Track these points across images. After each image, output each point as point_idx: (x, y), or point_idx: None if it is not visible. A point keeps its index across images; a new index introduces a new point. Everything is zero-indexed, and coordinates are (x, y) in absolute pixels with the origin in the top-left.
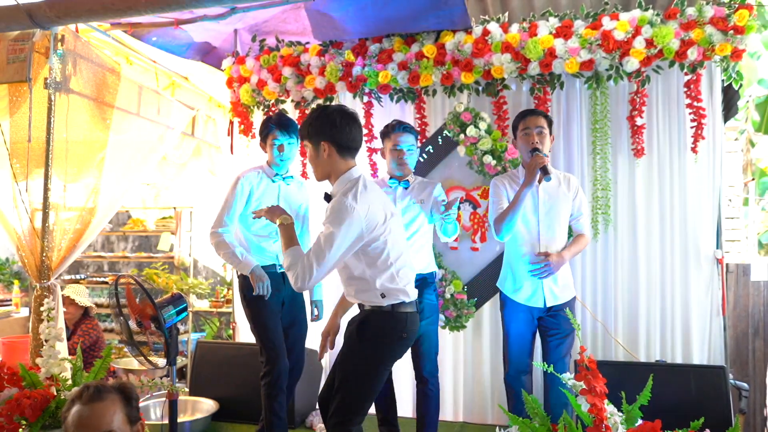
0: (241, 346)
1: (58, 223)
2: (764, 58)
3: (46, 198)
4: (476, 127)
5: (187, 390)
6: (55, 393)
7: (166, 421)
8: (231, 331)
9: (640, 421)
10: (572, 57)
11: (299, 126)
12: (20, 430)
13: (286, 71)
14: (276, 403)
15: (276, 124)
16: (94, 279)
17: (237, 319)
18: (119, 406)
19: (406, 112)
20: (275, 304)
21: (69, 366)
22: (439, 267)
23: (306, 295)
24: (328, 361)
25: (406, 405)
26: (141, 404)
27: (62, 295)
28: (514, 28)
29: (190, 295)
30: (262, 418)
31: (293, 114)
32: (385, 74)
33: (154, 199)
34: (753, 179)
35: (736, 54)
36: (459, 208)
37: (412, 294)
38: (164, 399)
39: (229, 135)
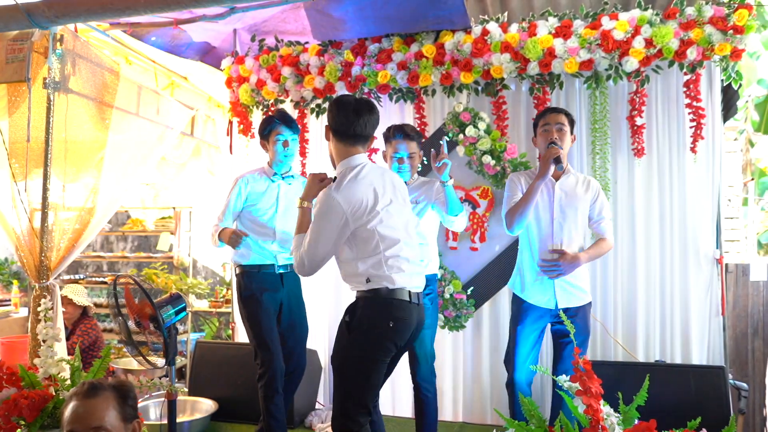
0: (240, 346)
1: (57, 223)
2: (764, 58)
3: (45, 198)
4: (475, 127)
5: (186, 390)
6: (54, 393)
7: (165, 421)
8: (230, 332)
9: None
10: (571, 57)
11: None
12: (18, 430)
13: (286, 71)
14: (273, 405)
15: (280, 120)
16: (94, 279)
17: (236, 319)
18: (113, 404)
19: (406, 112)
20: (272, 305)
21: (67, 366)
22: (439, 267)
23: (306, 295)
24: (327, 361)
25: (405, 405)
26: (140, 404)
27: (60, 295)
28: (514, 27)
29: (189, 295)
30: (262, 419)
31: (292, 114)
32: (385, 74)
33: (154, 199)
34: (752, 179)
35: (736, 54)
36: (447, 148)
37: (404, 282)
38: (163, 399)
39: (228, 135)
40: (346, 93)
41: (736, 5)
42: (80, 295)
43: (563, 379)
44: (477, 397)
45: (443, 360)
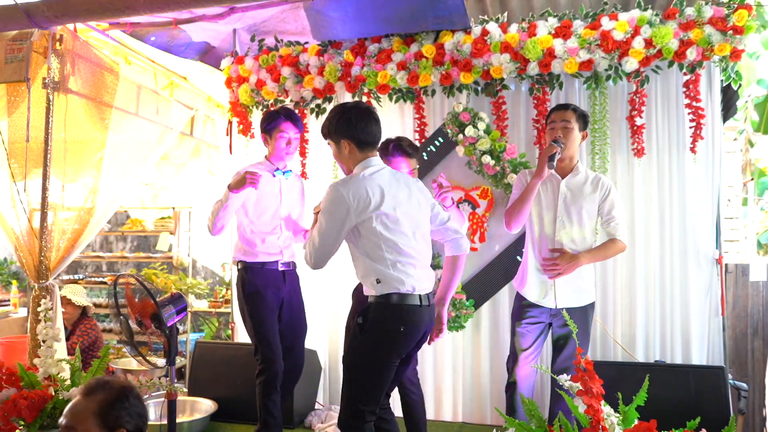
0: (239, 346)
1: (56, 223)
2: (763, 58)
3: (44, 198)
4: (475, 127)
5: (185, 390)
6: (53, 393)
7: (165, 421)
8: (230, 332)
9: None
10: (571, 57)
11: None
12: (17, 431)
13: (285, 71)
14: (270, 402)
15: (286, 116)
16: (93, 279)
17: (236, 319)
18: (97, 408)
19: (405, 113)
20: (273, 302)
21: (67, 366)
22: (438, 267)
23: (306, 295)
24: (327, 361)
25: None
26: None
27: (60, 296)
28: (513, 28)
29: (188, 295)
30: (258, 416)
31: None
32: (384, 74)
33: (153, 199)
34: (752, 179)
35: (735, 54)
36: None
37: (413, 285)
38: (163, 399)
39: (227, 135)
40: (349, 100)
41: (735, 5)
42: (79, 296)
43: (564, 379)
44: (477, 397)
45: (443, 360)
